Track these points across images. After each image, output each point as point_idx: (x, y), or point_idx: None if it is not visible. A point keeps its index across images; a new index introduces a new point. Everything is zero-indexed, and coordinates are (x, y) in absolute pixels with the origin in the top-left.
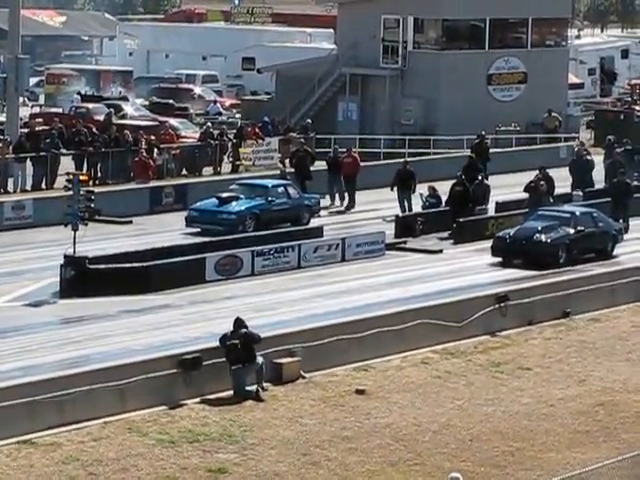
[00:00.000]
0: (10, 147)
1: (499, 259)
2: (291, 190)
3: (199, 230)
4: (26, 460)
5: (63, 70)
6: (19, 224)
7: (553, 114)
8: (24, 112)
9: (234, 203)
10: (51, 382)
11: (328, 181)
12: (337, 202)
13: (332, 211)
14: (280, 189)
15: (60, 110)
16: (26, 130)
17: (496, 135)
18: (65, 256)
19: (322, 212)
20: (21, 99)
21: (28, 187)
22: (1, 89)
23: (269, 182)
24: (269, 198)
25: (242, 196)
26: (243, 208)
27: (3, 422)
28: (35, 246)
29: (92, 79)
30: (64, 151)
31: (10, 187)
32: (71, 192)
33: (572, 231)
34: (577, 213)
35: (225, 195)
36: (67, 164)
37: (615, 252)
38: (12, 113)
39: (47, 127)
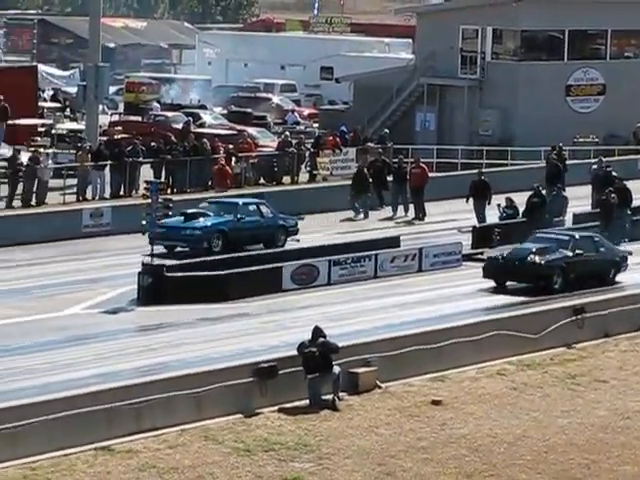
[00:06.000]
0: (89, 155)
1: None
2: (264, 209)
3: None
4: (103, 467)
5: (142, 78)
6: (97, 232)
7: None
8: (103, 120)
9: (200, 219)
10: (128, 389)
11: (392, 191)
12: (400, 213)
13: (399, 222)
14: (251, 207)
15: (139, 118)
16: (105, 138)
17: (574, 147)
18: (143, 264)
19: (392, 222)
20: (101, 107)
21: (107, 195)
22: (81, 97)
23: (239, 200)
24: (238, 216)
25: (210, 213)
26: (209, 224)
27: (81, 429)
28: (113, 253)
29: (171, 88)
30: (143, 159)
31: (89, 194)
32: (149, 200)
33: (570, 254)
34: (576, 236)
35: (191, 211)
36: (146, 172)
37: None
38: (92, 121)
39: (127, 135)
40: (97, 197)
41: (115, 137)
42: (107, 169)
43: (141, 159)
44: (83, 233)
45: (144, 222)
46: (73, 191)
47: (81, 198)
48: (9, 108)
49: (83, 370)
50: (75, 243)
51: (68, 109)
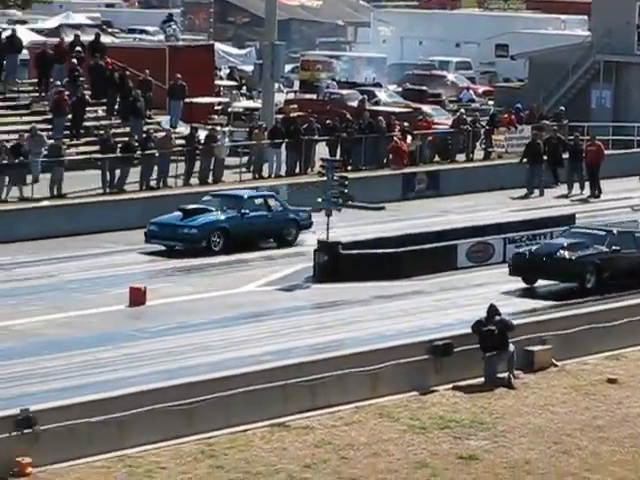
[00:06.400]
0: (265, 133)
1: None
2: (272, 202)
3: (165, 245)
4: (279, 443)
5: (318, 56)
6: None
7: None
8: (279, 98)
9: (200, 216)
10: (303, 366)
11: (568, 169)
12: (576, 190)
13: (574, 199)
14: (258, 200)
15: (314, 96)
16: (281, 116)
17: None
18: (318, 241)
19: (567, 200)
20: (276, 85)
21: (282, 172)
22: (257, 75)
23: (245, 192)
24: (242, 210)
25: (212, 208)
26: (208, 222)
27: (257, 405)
28: None
29: (346, 66)
30: (318, 137)
31: (265, 172)
32: (325, 178)
33: (605, 250)
34: (614, 232)
35: (190, 207)
36: (321, 150)
37: None
38: (268, 99)
39: (302, 113)
40: (273, 175)
41: (291, 115)
42: (283, 147)
43: (316, 137)
44: None
45: (320, 199)
46: (249, 169)
47: (257, 176)
48: (187, 86)
49: (258, 347)
50: None
51: (244, 87)
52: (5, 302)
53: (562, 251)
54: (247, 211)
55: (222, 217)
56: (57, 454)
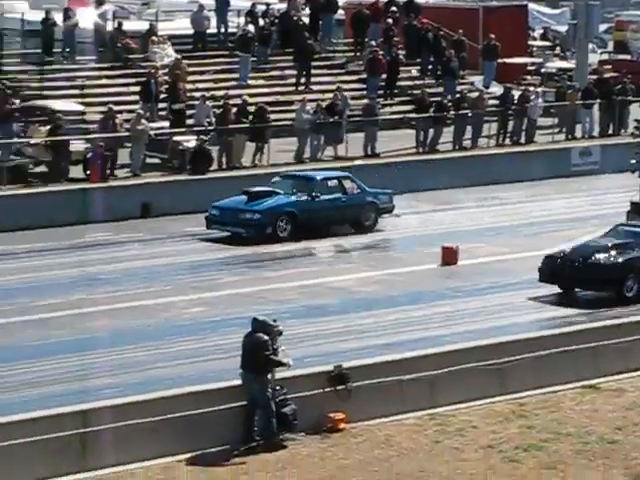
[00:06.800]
0: (579, 94)
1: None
2: (348, 184)
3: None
4: (589, 405)
5: (632, 17)
6: (586, 170)
7: None
8: (593, 59)
9: (265, 200)
10: (615, 328)
11: None
12: None
13: None
14: (332, 182)
15: (629, 57)
16: (595, 77)
17: None
18: (631, 203)
19: None
20: (590, 46)
21: (595, 133)
22: (571, 36)
23: (318, 174)
24: (314, 194)
25: (281, 191)
26: (273, 206)
27: (568, 366)
28: (601, 192)
29: None
30: (632, 98)
31: (578, 133)
32: (639, 139)
33: None
34: None
35: (256, 190)
36: (635, 111)
37: None
38: (581, 60)
39: (616, 74)
40: (586, 136)
41: (604, 76)
42: (595, 108)
43: (630, 98)
44: (572, 172)
45: (633, 161)
46: (561, 130)
47: (570, 136)
48: (500, 47)
49: (570, 308)
50: (564, 182)
51: (558, 48)
52: (321, 260)
53: (598, 254)
54: (318, 194)
55: (289, 200)
56: (368, 411)
